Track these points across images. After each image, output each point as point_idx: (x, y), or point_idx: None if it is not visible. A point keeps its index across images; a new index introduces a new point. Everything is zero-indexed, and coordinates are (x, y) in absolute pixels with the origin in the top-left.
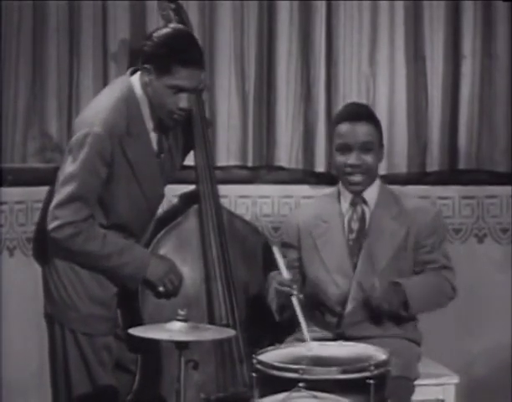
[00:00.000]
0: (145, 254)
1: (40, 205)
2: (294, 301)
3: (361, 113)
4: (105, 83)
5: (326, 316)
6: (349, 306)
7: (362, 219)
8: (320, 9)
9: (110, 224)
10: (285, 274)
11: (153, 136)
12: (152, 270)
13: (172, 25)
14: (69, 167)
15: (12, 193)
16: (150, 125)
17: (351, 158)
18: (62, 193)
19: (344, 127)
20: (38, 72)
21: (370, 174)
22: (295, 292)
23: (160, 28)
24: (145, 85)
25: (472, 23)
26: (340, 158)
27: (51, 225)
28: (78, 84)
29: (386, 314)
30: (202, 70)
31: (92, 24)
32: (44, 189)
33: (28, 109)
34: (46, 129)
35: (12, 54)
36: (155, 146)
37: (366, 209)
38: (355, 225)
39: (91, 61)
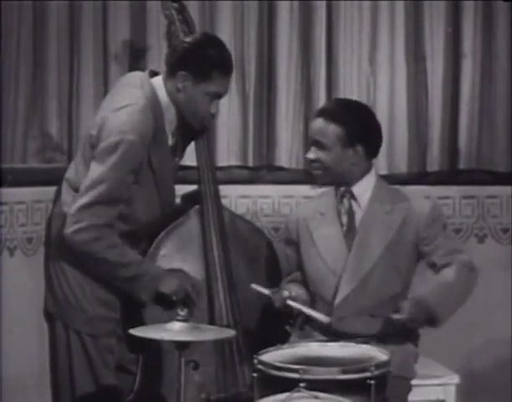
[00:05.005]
0: (160, 268)
1: (40, 205)
2: (290, 302)
3: (326, 110)
4: (106, 82)
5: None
6: (337, 300)
7: (350, 213)
8: (321, 9)
9: (126, 230)
10: (266, 292)
11: (170, 141)
12: (166, 283)
13: (202, 32)
14: (98, 171)
15: (13, 193)
16: (169, 130)
17: (309, 152)
18: (86, 196)
19: (311, 122)
20: (38, 72)
21: (329, 171)
22: (286, 294)
23: (189, 35)
24: (174, 91)
25: (472, 23)
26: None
27: (71, 228)
28: (78, 83)
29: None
30: (231, 75)
31: (92, 24)
32: (45, 189)
33: (28, 109)
34: (46, 129)
35: (12, 54)
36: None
37: (354, 204)
38: (344, 219)
39: (91, 61)
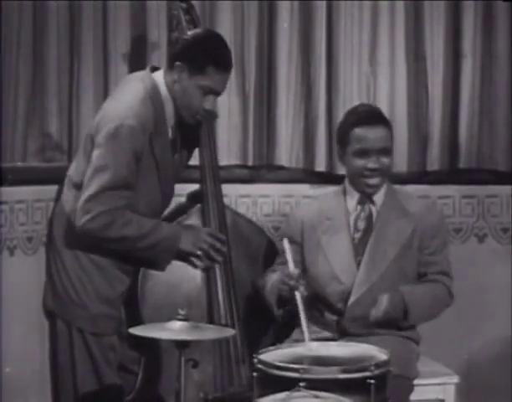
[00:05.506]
0: (176, 226)
1: (40, 204)
2: (298, 296)
3: (377, 117)
4: (106, 82)
5: (325, 314)
6: (351, 300)
7: (369, 218)
8: (321, 9)
9: None
10: (292, 267)
11: (170, 135)
12: (184, 239)
13: (205, 28)
14: (100, 159)
15: (13, 192)
16: (169, 124)
17: (371, 162)
18: (93, 185)
19: (362, 132)
20: (38, 71)
21: (385, 177)
22: (301, 287)
23: (193, 29)
24: (171, 83)
25: (472, 23)
26: (359, 162)
27: (83, 219)
28: (78, 83)
29: (385, 324)
30: (229, 74)
31: (92, 24)
32: (45, 188)
33: (29, 108)
34: (46, 128)
35: (12, 54)
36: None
37: (373, 209)
38: (361, 224)
39: (91, 60)
